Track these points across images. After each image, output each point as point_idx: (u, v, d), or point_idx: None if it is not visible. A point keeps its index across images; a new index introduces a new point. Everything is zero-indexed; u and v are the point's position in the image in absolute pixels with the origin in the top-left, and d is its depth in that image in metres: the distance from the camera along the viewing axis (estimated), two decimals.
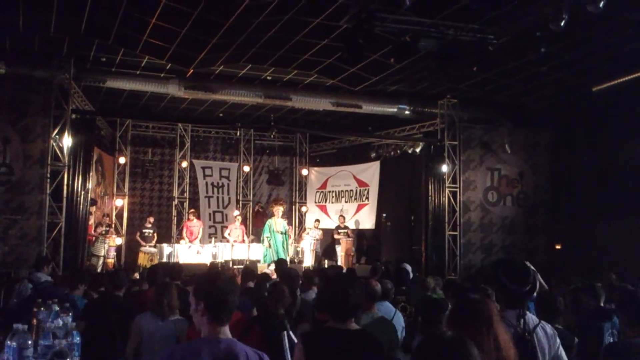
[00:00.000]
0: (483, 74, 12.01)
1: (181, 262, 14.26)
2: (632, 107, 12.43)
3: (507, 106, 14.89)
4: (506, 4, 8.95)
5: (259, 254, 14.89)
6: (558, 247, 14.83)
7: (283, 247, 14.53)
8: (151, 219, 16.09)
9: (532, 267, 3.36)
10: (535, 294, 3.45)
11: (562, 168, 14.58)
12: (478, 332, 2.52)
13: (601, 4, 8.15)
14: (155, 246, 15.20)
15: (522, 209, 15.11)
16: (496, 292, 3.70)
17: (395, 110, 15.06)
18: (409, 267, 7.62)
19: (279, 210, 14.89)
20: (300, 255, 16.18)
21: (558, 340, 3.26)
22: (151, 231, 15.71)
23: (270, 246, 14.46)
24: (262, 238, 14.88)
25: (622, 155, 12.95)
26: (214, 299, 2.69)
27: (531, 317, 3.27)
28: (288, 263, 12.06)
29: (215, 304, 2.68)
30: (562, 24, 8.76)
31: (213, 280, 2.79)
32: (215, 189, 18.23)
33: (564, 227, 14.46)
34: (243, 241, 15.82)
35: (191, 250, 15.02)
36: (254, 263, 14.00)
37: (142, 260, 14.68)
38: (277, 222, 14.71)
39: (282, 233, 14.58)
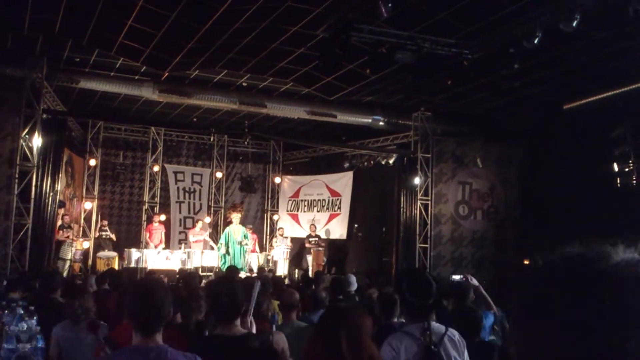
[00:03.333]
0: (457, 87, 12.16)
1: (149, 267, 14.15)
2: (602, 125, 12.67)
3: (480, 120, 15.07)
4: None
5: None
6: (526, 262, 14.98)
7: (242, 255, 14.39)
8: (105, 222, 15.78)
9: (434, 280, 3.35)
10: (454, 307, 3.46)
11: (532, 184, 14.76)
12: (344, 342, 2.51)
13: (574, 23, 8.35)
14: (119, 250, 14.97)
15: (492, 223, 15.26)
16: (400, 305, 3.71)
17: (369, 121, 15.14)
18: (352, 279, 7.83)
19: (237, 217, 14.72)
20: (271, 264, 16.10)
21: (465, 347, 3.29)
22: (108, 233, 15.47)
23: (228, 253, 14.30)
24: (218, 245, 14.75)
25: (591, 174, 13.16)
26: (134, 307, 2.62)
27: (436, 327, 3.26)
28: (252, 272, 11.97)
29: (139, 312, 2.60)
30: (536, 41, 8.95)
31: (138, 288, 2.72)
32: (187, 195, 18.05)
33: (532, 242, 14.61)
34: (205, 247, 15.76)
35: (160, 256, 14.82)
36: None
37: (100, 266, 14.24)
38: (235, 230, 14.52)
39: (239, 242, 14.39)
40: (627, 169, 12.72)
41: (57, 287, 5.89)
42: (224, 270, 13.53)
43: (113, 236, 15.45)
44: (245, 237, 14.62)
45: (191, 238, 15.90)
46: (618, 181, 12.85)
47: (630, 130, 12.44)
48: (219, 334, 3.20)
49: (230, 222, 14.94)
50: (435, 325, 3.25)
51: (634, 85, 11.33)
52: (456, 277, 4.96)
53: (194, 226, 16.59)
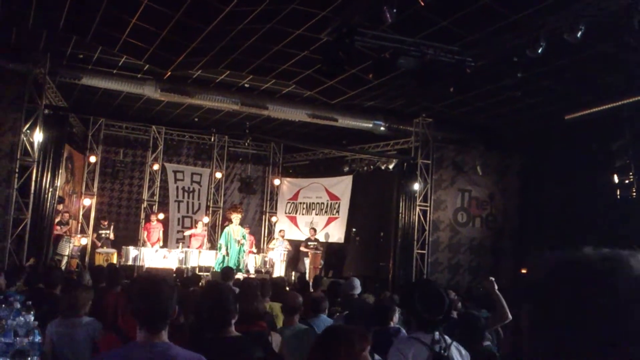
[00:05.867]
0: (459, 95, 12.15)
1: (146, 265, 14.16)
2: (603, 137, 12.68)
3: (481, 128, 15.08)
4: None
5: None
6: (524, 271, 14.97)
7: (239, 255, 14.42)
8: (105, 222, 15.75)
9: (451, 295, 3.35)
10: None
11: (531, 193, 14.78)
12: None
13: (579, 34, 8.35)
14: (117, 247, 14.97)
15: (491, 232, 15.26)
16: (408, 315, 3.69)
17: (370, 125, 15.15)
18: (356, 282, 7.68)
19: (237, 217, 14.74)
20: (268, 266, 16.08)
21: None
22: (107, 231, 15.46)
23: (227, 254, 14.33)
24: (218, 245, 14.75)
25: (590, 186, 13.17)
26: (139, 304, 2.63)
27: (444, 339, 3.26)
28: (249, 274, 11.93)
29: (145, 309, 2.61)
30: (539, 50, 8.95)
31: (144, 285, 2.72)
32: (186, 194, 18.05)
33: (529, 252, 14.62)
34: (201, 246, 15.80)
35: (158, 255, 14.82)
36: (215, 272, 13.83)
37: (99, 261, 14.22)
38: (234, 230, 14.55)
39: (239, 242, 14.44)
40: (627, 181, 12.71)
41: (57, 282, 5.90)
42: (219, 270, 13.57)
43: (112, 236, 15.45)
44: (244, 237, 14.64)
45: (192, 239, 15.92)
46: (618, 193, 12.85)
47: (631, 142, 12.44)
48: (215, 337, 3.19)
49: (230, 222, 14.95)
50: (443, 336, 3.25)
51: (636, 98, 11.34)
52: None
53: (193, 226, 16.60)
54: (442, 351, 3.12)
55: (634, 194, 12.61)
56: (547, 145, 13.99)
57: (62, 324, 4.50)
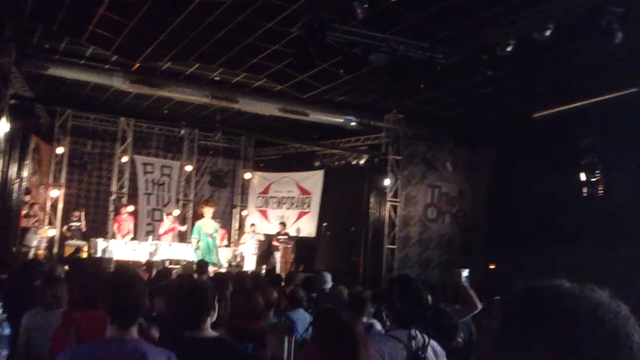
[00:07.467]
0: (430, 91, 12.20)
1: (115, 258, 13.96)
2: (571, 136, 12.86)
3: (451, 125, 15.17)
4: None
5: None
6: (492, 267, 15.15)
7: (210, 249, 14.33)
8: (77, 213, 15.53)
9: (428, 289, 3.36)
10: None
11: (499, 190, 14.92)
12: (345, 354, 2.48)
13: (547, 33, 8.42)
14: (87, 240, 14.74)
15: (460, 227, 15.39)
16: (387, 311, 3.70)
17: (341, 120, 15.12)
18: (328, 277, 7.94)
19: (209, 211, 14.71)
20: (239, 260, 16.02)
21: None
22: (78, 224, 15.22)
23: (198, 247, 14.24)
24: (190, 239, 14.63)
25: (558, 183, 13.35)
26: (112, 300, 2.60)
27: (421, 336, 3.25)
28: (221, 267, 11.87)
29: (114, 305, 2.58)
30: (509, 49, 9.01)
31: (118, 281, 2.68)
32: (156, 187, 17.84)
33: (498, 248, 14.78)
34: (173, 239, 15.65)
35: (127, 247, 14.64)
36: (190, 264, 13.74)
37: (69, 253, 14.10)
38: (206, 224, 14.51)
39: (211, 235, 14.36)
40: (593, 179, 12.92)
41: (37, 276, 5.83)
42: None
43: (83, 226, 15.21)
44: (216, 231, 14.60)
45: (161, 230, 15.74)
46: (585, 191, 13.04)
47: (598, 141, 12.63)
48: (190, 337, 3.09)
49: (202, 216, 14.86)
50: (421, 333, 3.23)
51: (604, 97, 11.49)
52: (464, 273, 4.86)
53: (162, 219, 16.41)
54: (420, 352, 3.11)
55: (600, 191, 12.82)
56: (516, 142, 14.13)
57: (40, 316, 4.51)
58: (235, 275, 7.70)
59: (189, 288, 3.37)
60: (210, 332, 3.14)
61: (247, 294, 4.42)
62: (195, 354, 2.94)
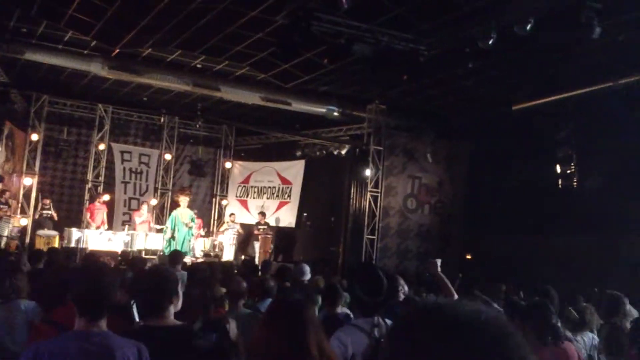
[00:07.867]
0: (412, 83, 12.26)
1: (90, 248, 13.76)
2: (549, 128, 13.02)
3: (432, 116, 15.25)
4: None
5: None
6: (469, 257, 15.32)
7: (186, 239, 14.26)
8: (47, 201, 15.24)
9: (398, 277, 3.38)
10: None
11: (478, 181, 15.06)
12: (294, 335, 2.49)
13: (528, 27, 8.51)
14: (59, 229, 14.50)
15: (439, 218, 15.52)
16: (350, 301, 3.71)
17: (324, 110, 15.10)
18: (306, 268, 7.86)
19: (185, 200, 14.63)
20: (217, 250, 15.95)
21: None
22: (49, 212, 14.99)
23: (174, 237, 14.14)
24: (164, 228, 14.55)
25: (534, 175, 13.53)
26: (81, 291, 2.55)
27: (386, 322, 3.27)
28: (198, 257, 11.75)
29: (83, 297, 2.53)
30: (490, 42, 9.09)
31: (86, 273, 2.64)
32: (133, 175, 17.64)
33: (474, 238, 14.95)
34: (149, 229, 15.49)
35: (102, 237, 14.42)
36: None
37: (40, 244, 13.61)
38: (182, 213, 14.42)
39: (187, 225, 14.27)
40: (569, 171, 13.11)
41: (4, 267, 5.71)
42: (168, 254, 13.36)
43: (54, 215, 14.96)
44: (193, 220, 14.49)
45: (137, 220, 15.56)
46: (560, 183, 13.23)
47: (574, 133, 12.81)
48: (151, 325, 3.01)
49: (178, 206, 14.74)
50: (384, 320, 3.25)
51: (581, 90, 11.65)
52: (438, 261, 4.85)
53: (139, 208, 16.25)
54: (382, 339, 3.12)
55: (575, 184, 13.01)
56: (495, 134, 14.24)
57: (0, 308, 4.36)
58: (192, 267, 7.62)
59: (149, 276, 3.35)
60: (172, 321, 3.07)
61: (203, 285, 4.35)
62: (155, 342, 2.86)
